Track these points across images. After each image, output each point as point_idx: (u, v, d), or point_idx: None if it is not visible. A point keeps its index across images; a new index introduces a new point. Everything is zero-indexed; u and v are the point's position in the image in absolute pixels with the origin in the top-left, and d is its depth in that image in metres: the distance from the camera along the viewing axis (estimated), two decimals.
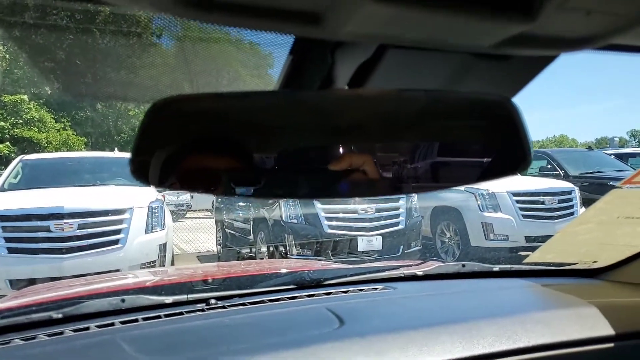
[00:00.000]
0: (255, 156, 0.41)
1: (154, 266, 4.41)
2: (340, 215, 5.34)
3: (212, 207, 11.60)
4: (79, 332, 0.87)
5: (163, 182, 0.40)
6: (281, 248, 5.28)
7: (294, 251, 5.29)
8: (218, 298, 1.01)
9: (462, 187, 6.27)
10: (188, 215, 16.17)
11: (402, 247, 5.44)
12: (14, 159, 6.22)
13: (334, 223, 5.30)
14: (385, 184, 0.45)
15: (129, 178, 5.73)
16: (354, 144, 0.44)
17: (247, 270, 1.48)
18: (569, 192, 6.18)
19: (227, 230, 7.26)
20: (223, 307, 0.99)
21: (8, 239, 4.13)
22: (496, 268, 1.24)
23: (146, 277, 1.77)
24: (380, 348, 0.76)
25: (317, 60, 0.46)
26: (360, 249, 5.28)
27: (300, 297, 1.05)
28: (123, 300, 0.97)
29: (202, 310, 0.98)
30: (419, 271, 1.22)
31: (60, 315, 0.92)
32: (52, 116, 19.84)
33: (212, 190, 0.41)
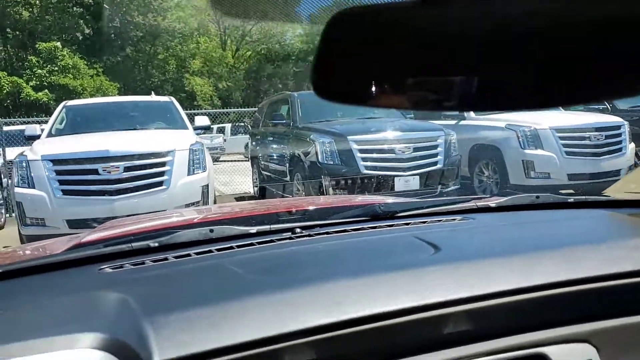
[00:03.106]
0: (439, 66, 0.37)
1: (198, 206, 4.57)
2: (377, 155, 5.31)
3: (246, 149, 11.71)
4: (180, 258, 0.92)
5: (346, 98, 0.38)
6: (318, 188, 5.35)
7: (331, 192, 5.34)
8: (301, 228, 1.03)
9: (503, 124, 6.09)
10: (222, 158, 16.50)
11: (439, 186, 5.41)
12: (52, 106, 6.40)
13: (370, 163, 5.28)
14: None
15: (168, 121, 5.86)
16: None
17: (318, 203, 1.50)
18: (618, 127, 5.90)
19: (264, 172, 7.38)
20: (309, 235, 1.02)
21: (62, 182, 4.34)
22: (571, 199, 1.22)
23: (205, 213, 1.84)
24: (484, 272, 0.77)
25: None
26: (397, 188, 5.28)
27: (381, 227, 1.07)
28: (212, 231, 1.01)
29: (290, 238, 1.01)
30: (491, 203, 1.21)
31: (156, 244, 0.97)
32: (85, 62, 20.06)
33: (397, 104, 0.39)
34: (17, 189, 4.41)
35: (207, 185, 4.81)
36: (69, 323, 0.60)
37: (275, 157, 6.92)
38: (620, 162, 5.83)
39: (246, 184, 8.78)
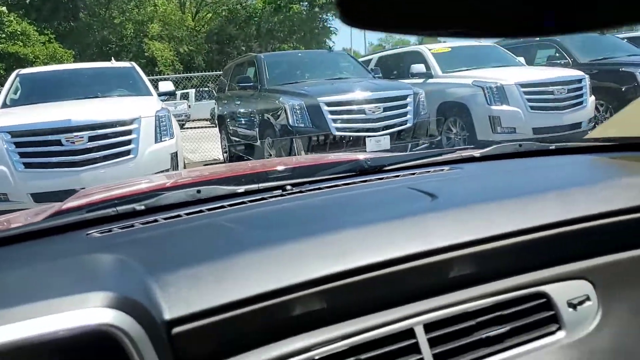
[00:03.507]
0: None
1: None
2: (347, 116, 5.29)
3: (212, 115, 11.40)
4: (171, 219, 0.90)
5: (377, 23, 0.33)
6: (290, 152, 5.32)
7: (303, 154, 5.32)
8: (291, 185, 1.02)
9: (469, 81, 6.16)
10: (187, 125, 16.08)
11: (410, 145, 5.47)
12: (3, 76, 6.04)
13: (341, 125, 5.27)
14: None
15: (130, 88, 5.64)
16: None
17: (304, 162, 1.49)
18: (579, 81, 6.06)
19: (233, 138, 7.26)
20: (300, 192, 1.01)
21: (23, 154, 4.15)
22: (552, 146, 1.24)
23: (176, 177, 1.80)
24: (484, 216, 0.79)
25: None
26: (368, 149, 5.31)
27: (371, 180, 1.07)
28: (199, 191, 0.99)
29: (281, 195, 1.00)
30: (475, 153, 1.22)
31: (142, 207, 0.94)
32: (35, 28, 18.88)
33: (433, 29, 0.34)
34: None
35: (176, 153, 4.71)
36: (73, 284, 0.57)
37: (244, 122, 6.80)
38: (581, 115, 6.03)
39: (215, 150, 8.63)
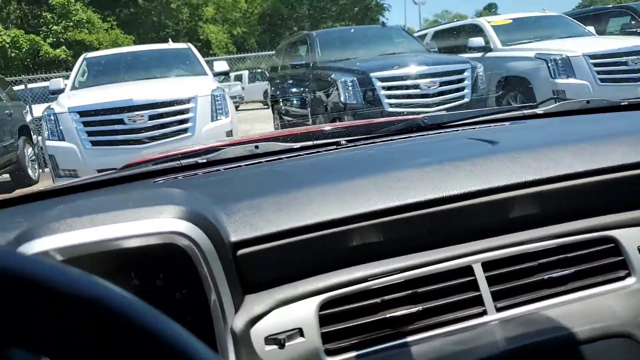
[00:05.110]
0: None
1: None
2: (401, 91, 5.17)
3: (265, 97, 11.58)
4: (231, 169, 0.94)
5: None
6: None
7: None
8: (346, 141, 1.02)
9: (532, 54, 5.83)
10: (241, 107, 16.42)
11: None
12: (71, 62, 6.38)
13: (394, 100, 5.16)
14: None
15: (187, 68, 5.80)
16: None
17: (353, 123, 1.48)
18: None
19: (285, 117, 7.32)
20: (355, 146, 1.00)
21: (90, 133, 4.40)
22: (624, 102, 1.16)
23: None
24: (548, 157, 0.76)
25: None
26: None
27: (429, 135, 1.04)
28: (257, 147, 1.01)
29: (336, 149, 1.00)
30: (539, 110, 1.16)
31: (204, 160, 0.98)
32: (99, 16, 19.82)
33: None
34: (48, 142, 4.50)
35: (231, 131, 4.81)
36: (148, 202, 0.61)
37: (296, 101, 6.83)
38: None
39: (268, 130, 8.76)
